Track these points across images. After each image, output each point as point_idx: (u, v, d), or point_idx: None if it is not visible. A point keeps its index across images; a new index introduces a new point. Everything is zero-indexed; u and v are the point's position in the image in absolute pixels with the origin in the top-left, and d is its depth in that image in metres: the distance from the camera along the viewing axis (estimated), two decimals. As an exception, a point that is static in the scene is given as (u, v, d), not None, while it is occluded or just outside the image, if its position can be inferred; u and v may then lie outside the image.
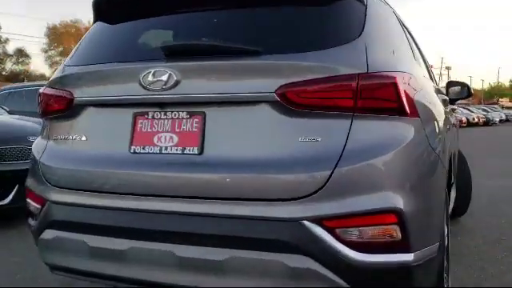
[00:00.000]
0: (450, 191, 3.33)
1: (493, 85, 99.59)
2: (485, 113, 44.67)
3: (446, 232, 2.41)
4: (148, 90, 2.01)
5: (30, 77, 46.51)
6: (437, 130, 2.27)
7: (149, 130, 2.07)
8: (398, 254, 1.81)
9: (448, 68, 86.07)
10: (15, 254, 3.91)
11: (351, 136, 1.82)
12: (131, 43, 2.36)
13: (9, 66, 55.54)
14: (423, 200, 1.92)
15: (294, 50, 1.94)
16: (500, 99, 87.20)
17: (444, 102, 3.26)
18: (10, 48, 55.37)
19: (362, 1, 2.11)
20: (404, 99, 1.86)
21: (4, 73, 53.38)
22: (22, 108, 7.54)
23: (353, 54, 1.90)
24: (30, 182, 2.45)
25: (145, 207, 2.00)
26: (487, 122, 41.31)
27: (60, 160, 2.26)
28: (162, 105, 2.05)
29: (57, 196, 2.22)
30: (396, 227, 1.79)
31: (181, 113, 2.02)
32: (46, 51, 55.97)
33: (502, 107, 64.49)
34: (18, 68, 55.37)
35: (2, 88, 9.44)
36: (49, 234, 2.23)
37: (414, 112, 1.92)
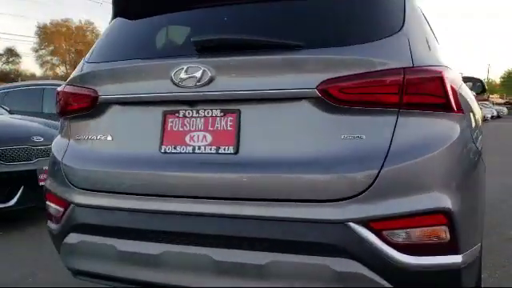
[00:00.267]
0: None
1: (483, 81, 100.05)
2: (477, 109, 44.66)
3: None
4: (180, 87, 1.93)
5: (20, 76, 46.08)
6: (477, 126, 2.20)
7: (180, 129, 1.98)
8: (446, 256, 1.74)
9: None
10: (23, 261, 3.81)
11: (397, 133, 1.74)
12: (157, 39, 2.27)
13: (-1, 65, 55.05)
14: (470, 199, 1.86)
15: (335, 43, 1.86)
16: (490, 95, 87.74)
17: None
18: (0, 47, 54.89)
19: None
20: (450, 94, 1.79)
21: (-6, 73, 52.87)
22: (20, 108, 7.43)
23: (397, 47, 1.83)
24: (50, 184, 2.36)
25: (178, 209, 1.92)
26: (480, 119, 41.30)
27: (84, 161, 2.17)
28: (194, 102, 1.96)
29: (82, 198, 2.13)
30: (445, 228, 1.72)
31: (214, 110, 1.94)
32: (36, 50, 55.45)
33: (493, 103, 64.87)
34: (8, 67, 54.85)
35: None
36: (73, 237, 2.14)
37: (459, 107, 1.85)
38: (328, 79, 1.78)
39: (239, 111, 1.90)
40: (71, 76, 2.36)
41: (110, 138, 2.13)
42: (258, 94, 1.87)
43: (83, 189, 2.13)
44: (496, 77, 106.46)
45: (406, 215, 1.70)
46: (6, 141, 4.68)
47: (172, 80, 1.93)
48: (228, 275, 1.85)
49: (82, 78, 2.25)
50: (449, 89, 1.79)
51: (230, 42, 1.94)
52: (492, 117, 46.46)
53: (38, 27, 53.42)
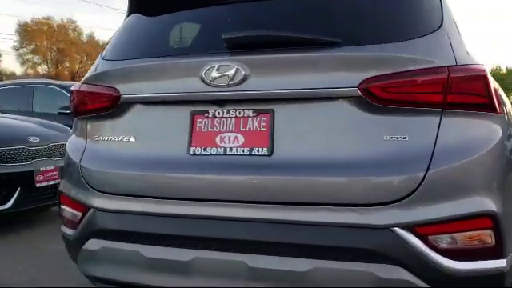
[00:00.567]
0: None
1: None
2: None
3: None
4: (211, 86, 1.84)
5: (1, 75, 45.24)
6: None
7: (209, 130, 1.90)
8: (491, 261, 1.69)
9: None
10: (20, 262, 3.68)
11: (441, 134, 1.69)
12: (181, 36, 2.18)
13: (-22, 64, 53.95)
14: None
15: (375, 40, 1.79)
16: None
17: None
18: (-21, 46, 53.78)
19: None
20: (493, 94, 1.75)
21: (-27, 71, 51.81)
22: (10, 107, 7.25)
23: (439, 44, 1.77)
24: (65, 187, 2.25)
25: (209, 213, 1.84)
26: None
27: (105, 163, 2.06)
28: (224, 102, 1.88)
29: (103, 202, 2.03)
30: (490, 232, 1.67)
31: (246, 110, 1.86)
32: (17, 49, 54.48)
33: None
34: (-12, 66, 53.79)
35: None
36: (94, 244, 2.04)
37: (501, 108, 1.81)
38: (370, 77, 1.71)
39: (273, 111, 1.83)
40: (88, 74, 2.26)
41: (132, 139, 2.04)
42: (292, 94, 1.79)
43: (105, 192, 2.03)
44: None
45: (452, 219, 1.65)
46: (1, 141, 4.52)
47: (202, 79, 1.85)
48: (264, 283, 1.77)
49: (101, 77, 2.15)
50: (492, 88, 1.74)
51: (264, 38, 1.86)
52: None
53: (19, 25, 52.53)
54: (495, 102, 1.75)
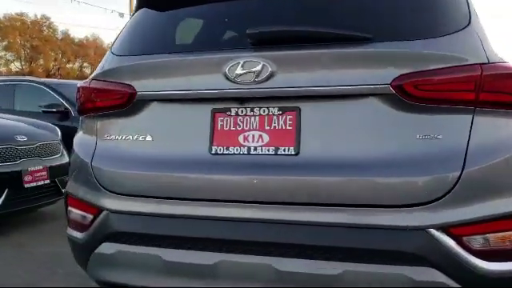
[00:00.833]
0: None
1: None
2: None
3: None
4: (235, 83, 1.77)
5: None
6: None
7: (232, 128, 1.83)
8: None
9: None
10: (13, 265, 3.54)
11: (474, 133, 1.65)
12: (201, 30, 2.09)
13: None
14: None
15: (406, 36, 1.74)
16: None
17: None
18: (-50, 42, 52.27)
19: None
20: None
21: None
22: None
23: (470, 42, 1.74)
24: (73, 188, 2.15)
25: (233, 215, 1.77)
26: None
27: (119, 163, 1.97)
28: (247, 100, 1.82)
29: (118, 204, 1.94)
30: None
31: (271, 108, 1.80)
32: (-12, 45, 53.19)
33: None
34: (-41, 63, 52.34)
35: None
36: (108, 247, 1.95)
37: None
38: (403, 75, 1.67)
39: (299, 109, 1.77)
40: (97, 70, 2.16)
41: (149, 137, 1.95)
42: (320, 91, 1.74)
43: (119, 193, 1.94)
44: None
45: (487, 220, 1.62)
46: (-13, 140, 4.35)
47: (226, 75, 1.78)
48: (292, 286, 1.71)
49: (113, 73, 2.05)
50: None
51: (291, 34, 1.80)
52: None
53: (-9, 21, 51.29)
54: None
